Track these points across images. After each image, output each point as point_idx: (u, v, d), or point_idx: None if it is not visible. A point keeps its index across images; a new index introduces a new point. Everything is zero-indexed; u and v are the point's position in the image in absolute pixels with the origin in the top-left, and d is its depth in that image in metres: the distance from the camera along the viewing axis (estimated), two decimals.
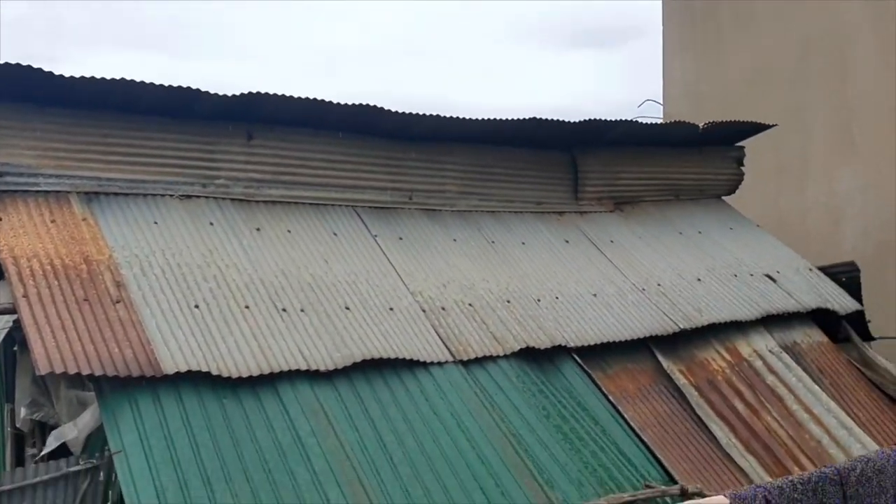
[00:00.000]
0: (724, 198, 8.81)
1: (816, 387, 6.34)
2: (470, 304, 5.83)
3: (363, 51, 31.21)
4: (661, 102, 12.74)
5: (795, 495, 2.65)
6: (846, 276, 7.76)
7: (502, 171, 7.20)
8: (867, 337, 8.06)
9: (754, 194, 10.92)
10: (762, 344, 6.64)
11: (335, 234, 5.96)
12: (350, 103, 6.03)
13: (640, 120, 8.97)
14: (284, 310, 5.00)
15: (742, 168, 8.71)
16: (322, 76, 30.07)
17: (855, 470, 2.81)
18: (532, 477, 4.63)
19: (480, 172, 7.06)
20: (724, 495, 2.63)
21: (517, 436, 4.91)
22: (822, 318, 7.31)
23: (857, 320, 7.70)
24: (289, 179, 6.10)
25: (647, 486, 4.80)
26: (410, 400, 4.84)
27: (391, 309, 5.45)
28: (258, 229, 5.65)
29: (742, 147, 8.69)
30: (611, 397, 5.65)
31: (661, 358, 6.21)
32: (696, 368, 6.34)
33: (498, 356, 5.50)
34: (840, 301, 7.42)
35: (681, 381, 6.09)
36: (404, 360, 5.06)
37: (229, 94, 5.65)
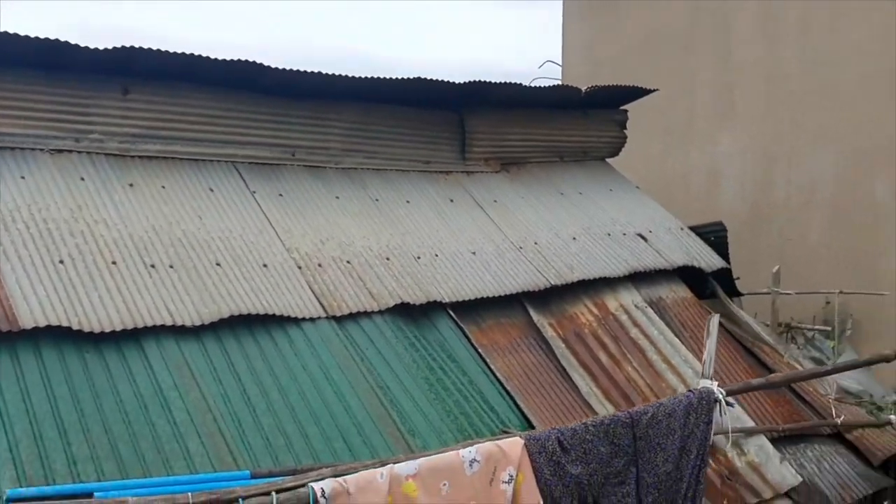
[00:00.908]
0: (607, 160, 9.13)
1: (677, 339, 6.76)
2: (348, 261, 5.97)
3: (281, 3, 30.52)
4: (561, 64, 13.02)
5: (588, 436, 2.90)
6: (714, 236, 8.22)
7: (389, 130, 7.31)
8: (734, 293, 8.60)
9: (643, 156, 11.39)
10: (629, 299, 7.02)
11: (212, 190, 5.99)
12: (229, 59, 6.02)
13: (539, 82, 9.22)
14: (153, 266, 5.04)
15: (625, 131, 9.04)
16: (238, 27, 29.30)
17: (647, 414, 3.10)
18: (395, 426, 4.85)
19: (366, 130, 7.15)
20: (520, 436, 2.87)
21: (384, 388, 5.12)
22: (690, 275, 7.75)
23: (725, 277, 8.19)
24: (166, 135, 6.08)
25: (505, 432, 5.08)
26: (279, 354, 4.97)
27: (265, 265, 5.54)
28: (131, 185, 5.63)
29: (625, 111, 9.01)
30: (480, 350, 5.92)
31: (532, 312, 6.50)
32: (565, 322, 6.66)
33: (373, 312, 5.67)
34: (707, 259, 7.87)
35: (549, 333, 6.40)
36: (275, 316, 5.18)
37: (103, 47, 5.58)
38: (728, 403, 3.67)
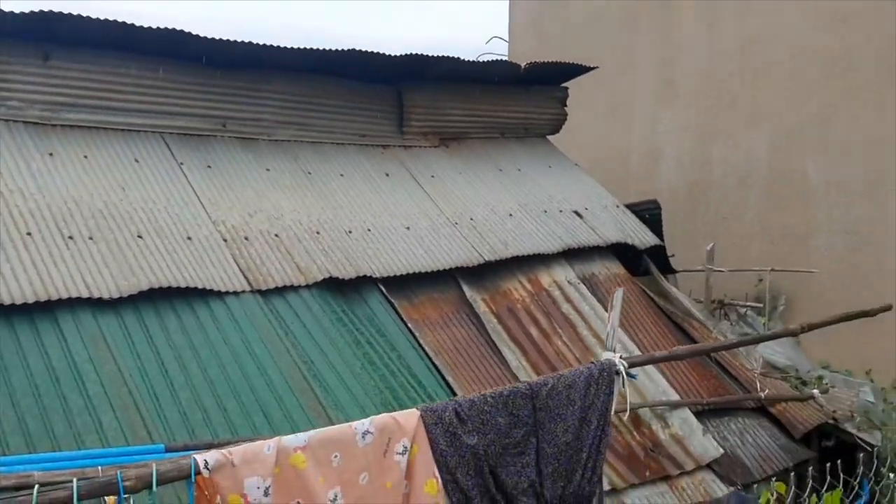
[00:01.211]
0: (549, 137, 9.16)
1: (607, 315, 6.82)
2: (276, 235, 5.91)
3: None
4: (507, 40, 12.99)
5: (486, 407, 2.92)
6: (649, 214, 8.32)
7: (325, 103, 7.23)
8: (669, 270, 8.73)
9: (588, 134, 11.46)
10: (562, 275, 7.08)
11: (137, 161, 5.86)
12: (156, 27, 5.88)
13: (487, 57, 9.16)
14: (70, 237, 4.93)
15: (565, 108, 9.06)
16: (188, 3, 28.58)
17: (547, 385, 3.13)
18: (317, 400, 4.84)
19: (301, 102, 7.06)
20: (417, 408, 2.89)
21: (308, 362, 5.09)
22: (624, 252, 7.83)
23: (659, 254, 8.31)
24: (90, 104, 5.93)
25: None
26: (199, 328, 4.91)
27: (189, 238, 5.46)
28: (51, 154, 5.49)
29: (566, 88, 9.03)
30: (410, 324, 5.92)
31: (465, 287, 6.52)
32: (498, 297, 6.70)
33: (300, 286, 5.63)
34: (641, 237, 7.96)
35: (482, 308, 6.43)
36: (197, 289, 5.11)
37: (20, 11, 5.41)
38: (630, 375, 3.72)
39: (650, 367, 6.48)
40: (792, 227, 9.11)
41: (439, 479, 2.83)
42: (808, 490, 4.53)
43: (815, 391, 7.06)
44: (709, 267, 9.03)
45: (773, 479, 5.89)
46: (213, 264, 5.38)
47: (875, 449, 7.13)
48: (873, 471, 6.73)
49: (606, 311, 6.70)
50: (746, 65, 9.60)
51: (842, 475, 4.63)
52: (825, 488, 4.61)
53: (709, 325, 7.53)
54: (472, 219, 7.11)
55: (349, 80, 7.37)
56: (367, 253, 6.18)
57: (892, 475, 6.33)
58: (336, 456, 2.58)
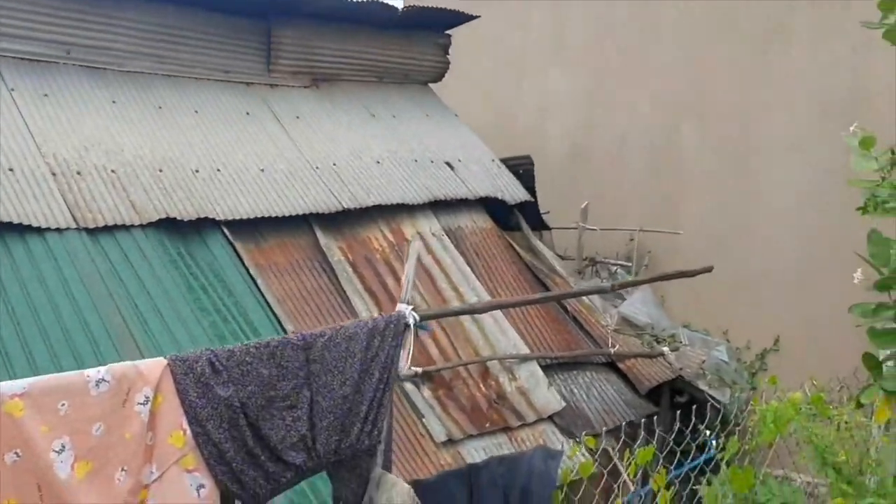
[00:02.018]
0: (431, 85, 8.98)
1: (468, 268, 6.81)
2: (113, 171, 5.60)
3: None
4: None
5: (247, 358, 2.81)
6: (522, 169, 8.29)
7: (185, 34, 6.86)
8: (541, 226, 8.77)
9: (478, 86, 11.32)
10: (427, 226, 6.99)
11: None
12: None
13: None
14: None
15: (448, 56, 8.88)
16: None
17: (323, 336, 3.03)
18: (136, 346, 4.63)
19: (158, 32, 6.67)
20: (165, 357, 2.75)
21: (133, 307, 4.87)
22: (496, 206, 7.79)
23: (531, 210, 8.31)
24: None
25: None
26: (12, 265, 4.62)
27: (11, 170, 5.10)
28: None
29: (449, 35, 8.84)
30: (253, 270, 5.74)
31: (320, 234, 6.36)
32: (356, 246, 6.57)
33: (133, 226, 5.36)
34: (512, 192, 7.93)
35: (337, 257, 6.28)
36: (13, 224, 4.79)
37: None
38: (423, 328, 3.67)
39: (503, 320, 6.50)
40: (666, 190, 9.24)
41: (187, 431, 2.70)
42: (638, 441, 4.60)
43: (665, 348, 7.24)
44: (581, 225, 9.10)
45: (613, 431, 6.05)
46: (35, 199, 5.05)
47: (722, 405, 7.40)
48: (718, 426, 6.99)
49: (468, 264, 6.69)
50: (632, 28, 9.58)
51: (686, 430, 4.71)
52: (667, 441, 4.70)
53: (570, 282, 7.60)
54: (335, 164, 6.92)
55: (213, 11, 7.00)
56: (213, 194, 5.93)
57: (737, 429, 6.59)
58: (63, 404, 2.42)
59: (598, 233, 9.38)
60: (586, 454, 5.91)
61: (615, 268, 9.49)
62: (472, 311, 5.48)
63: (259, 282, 5.69)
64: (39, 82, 5.85)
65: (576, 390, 6.51)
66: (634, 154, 9.64)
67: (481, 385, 6.04)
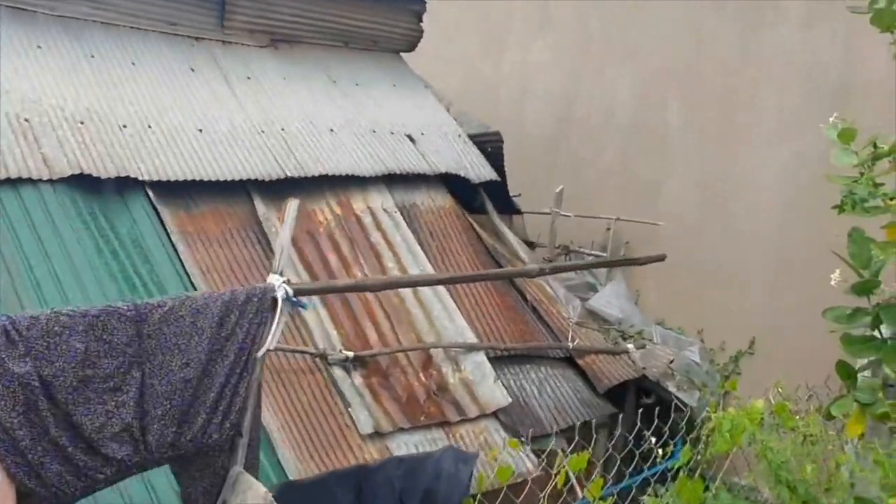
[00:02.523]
0: (403, 55, 8.46)
1: (419, 248, 6.32)
2: (26, 119, 5.10)
3: None
4: None
5: (56, 328, 2.32)
6: (491, 146, 7.78)
7: None
8: (510, 209, 8.29)
9: (462, 57, 10.79)
10: (379, 201, 6.50)
11: None
12: None
13: None
14: None
15: (421, 24, 8.36)
16: None
17: (162, 307, 2.57)
18: (21, 310, 4.14)
19: None
20: None
21: (26, 267, 4.40)
22: (462, 185, 7.30)
23: (498, 191, 7.82)
24: None
25: None
26: None
27: None
28: None
29: (423, 2, 8.30)
30: (177, 237, 5.26)
31: (258, 203, 5.88)
32: (299, 218, 6.06)
33: (41, 180, 4.87)
34: (478, 169, 7.43)
35: (275, 228, 5.79)
36: None
37: None
38: (298, 304, 3.20)
39: (451, 306, 6.03)
40: (647, 174, 8.74)
41: None
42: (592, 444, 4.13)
43: (630, 346, 6.78)
44: (555, 210, 8.60)
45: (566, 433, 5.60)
46: None
47: (690, 409, 6.95)
48: (683, 430, 6.56)
49: (420, 244, 6.21)
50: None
51: (648, 433, 4.24)
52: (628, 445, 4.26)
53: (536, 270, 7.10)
54: (283, 129, 6.42)
55: None
56: (140, 152, 5.44)
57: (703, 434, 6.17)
58: None
59: (574, 220, 8.89)
60: (531, 455, 5.48)
61: (590, 257, 8.99)
62: (362, 287, 5.01)
63: (181, 250, 5.21)
64: None
65: (527, 386, 6.04)
66: (616, 134, 9.13)
67: (421, 375, 5.57)
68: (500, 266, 6.89)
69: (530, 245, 9.34)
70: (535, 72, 10.01)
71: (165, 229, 5.21)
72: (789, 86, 7.61)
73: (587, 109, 9.42)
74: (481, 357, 5.80)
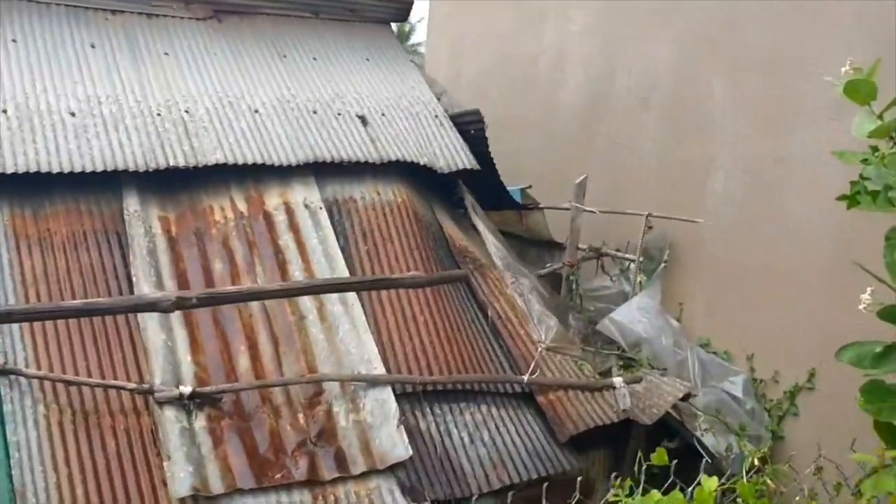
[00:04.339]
0: (393, 25, 7.27)
1: (339, 253, 5.11)
2: None
3: None
4: None
5: None
6: (474, 129, 6.42)
7: None
8: (506, 203, 6.93)
9: (496, 32, 9.45)
10: (301, 196, 5.35)
11: None
12: None
13: None
14: None
15: None
16: None
17: None
18: None
19: None
20: None
21: None
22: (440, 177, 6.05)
23: (487, 182, 6.49)
24: None
25: None
26: None
27: None
28: None
29: None
30: (3, 240, 4.35)
31: (129, 199, 4.90)
32: (190, 217, 5.05)
33: None
34: (451, 157, 6.11)
35: (143, 229, 4.79)
36: None
37: None
38: None
39: (363, 324, 4.78)
40: (689, 161, 7.04)
41: None
42: None
43: (617, 380, 5.22)
44: (575, 205, 7.09)
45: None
46: None
47: (716, 460, 5.38)
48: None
49: (343, 247, 5.05)
50: None
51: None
52: None
53: (507, 279, 5.71)
54: (187, 111, 5.40)
55: None
56: None
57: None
58: None
59: (611, 217, 7.36)
60: None
61: (628, 263, 7.40)
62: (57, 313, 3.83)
63: (6, 257, 4.30)
64: None
65: (455, 431, 4.69)
66: (654, 113, 7.48)
67: (301, 416, 4.37)
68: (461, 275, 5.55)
69: (554, 245, 7.90)
70: (574, 42, 8.49)
71: None
72: (855, 55, 5.70)
73: (625, 83, 7.81)
74: (386, 393, 4.51)
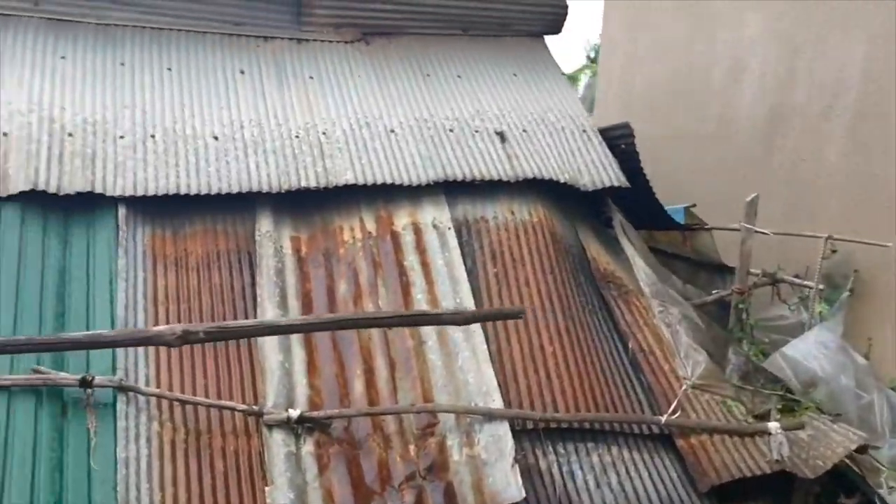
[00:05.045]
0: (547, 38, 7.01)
1: (464, 274, 4.90)
2: (4, 134, 4.78)
3: None
4: None
5: None
6: (625, 143, 5.98)
7: None
8: (661, 224, 6.42)
9: (665, 41, 8.91)
10: (431, 215, 5.21)
11: None
12: None
13: None
14: None
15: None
16: None
17: None
18: None
19: None
20: None
21: None
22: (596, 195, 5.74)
23: (640, 201, 6.05)
24: None
25: (36, 371, 3.79)
26: None
27: None
28: None
29: None
30: (142, 260, 4.56)
31: (262, 219, 4.99)
32: (320, 237, 5.07)
33: None
34: (596, 174, 5.75)
35: (273, 249, 4.84)
36: None
37: None
38: None
39: (484, 353, 4.53)
40: (880, 177, 6.15)
41: None
42: None
43: (773, 425, 4.59)
44: (746, 226, 6.43)
45: None
46: None
47: None
48: None
49: (470, 269, 4.88)
50: None
51: None
52: None
53: (654, 307, 5.23)
54: (324, 133, 5.45)
55: None
56: (125, 164, 4.87)
57: None
58: None
59: (788, 239, 6.63)
60: None
61: (809, 291, 6.59)
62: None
63: (142, 276, 4.50)
64: None
65: (580, 473, 4.31)
66: (840, 122, 6.65)
67: (412, 447, 4.19)
68: (598, 302, 5.17)
69: (726, 269, 7.21)
70: (751, 49, 7.76)
71: (136, 251, 4.55)
72: None
73: (807, 91, 7.02)
74: (503, 429, 4.21)
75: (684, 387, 4.71)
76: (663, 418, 4.43)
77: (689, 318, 5.36)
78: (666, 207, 6.59)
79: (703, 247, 7.25)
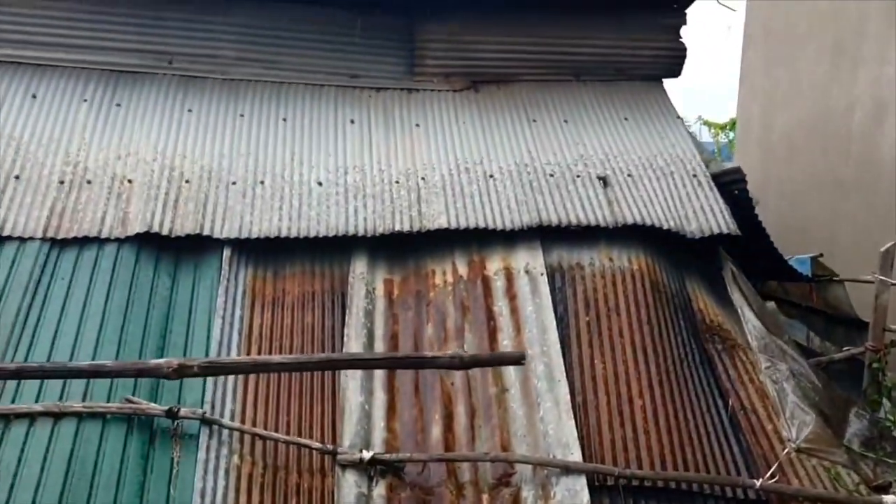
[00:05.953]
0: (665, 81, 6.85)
1: (553, 322, 4.80)
2: (129, 181, 5.23)
3: None
4: None
5: None
6: (738, 189, 5.69)
7: (302, 36, 6.28)
8: (780, 275, 6.03)
9: (805, 82, 8.47)
10: (524, 261, 5.16)
11: (34, 97, 5.65)
12: None
13: None
14: None
15: (681, 41, 6.68)
16: None
17: None
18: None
19: (268, 36, 6.23)
20: None
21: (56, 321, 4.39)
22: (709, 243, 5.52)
23: (755, 249, 5.72)
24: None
25: (128, 401, 4.05)
26: None
27: (17, 177, 5.09)
28: None
29: (682, 13, 6.63)
30: (241, 299, 4.81)
31: (357, 262, 5.13)
32: (412, 280, 5.16)
33: (110, 239, 4.90)
34: (705, 221, 5.49)
35: (365, 291, 4.97)
36: None
37: None
38: None
39: (566, 404, 4.40)
40: None
41: None
42: None
43: (889, 498, 4.12)
44: (881, 278, 5.92)
45: None
46: (23, 206, 4.94)
47: None
48: None
49: (561, 317, 4.83)
50: None
51: None
52: None
53: (760, 363, 4.89)
54: (423, 178, 5.56)
55: (341, 9, 6.27)
56: (233, 208, 5.17)
57: None
58: None
59: None
60: None
61: None
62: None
63: (238, 314, 4.74)
64: (122, 93, 5.81)
65: None
66: None
67: (485, 496, 4.11)
68: (696, 355, 4.90)
69: (861, 325, 6.66)
70: (893, 86, 7.22)
71: (237, 291, 4.82)
72: None
73: None
74: (580, 483, 4.05)
75: (787, 449, 4.35)
76: (758, 482, 4.09)
77: (803, 375, 4.96)
78: (793, 257, 6.19)
79: (835, 300, 6.73)
